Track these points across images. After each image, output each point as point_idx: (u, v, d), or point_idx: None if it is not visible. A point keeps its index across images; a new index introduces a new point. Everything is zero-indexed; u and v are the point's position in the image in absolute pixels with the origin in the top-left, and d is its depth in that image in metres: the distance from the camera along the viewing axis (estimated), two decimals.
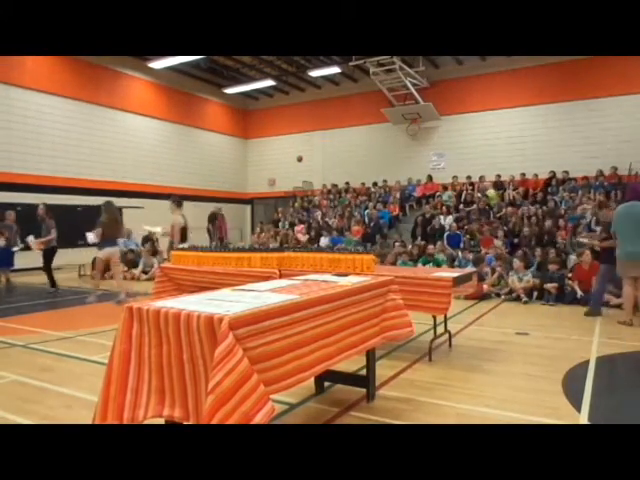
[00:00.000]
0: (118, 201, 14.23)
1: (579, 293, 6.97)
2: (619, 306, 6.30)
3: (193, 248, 5.29)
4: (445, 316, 4.48)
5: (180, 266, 5.09)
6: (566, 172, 12.91)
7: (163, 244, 12.53)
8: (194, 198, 17.06)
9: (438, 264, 8.58)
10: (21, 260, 9.60)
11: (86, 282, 10.20)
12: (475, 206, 12.50)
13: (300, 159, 18.54)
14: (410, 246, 10.46)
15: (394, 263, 8.82)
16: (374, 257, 4.19)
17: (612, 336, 5.02)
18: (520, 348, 4.54)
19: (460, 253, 9.40)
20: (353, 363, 3.36)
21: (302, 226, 14.03)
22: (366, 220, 13.53)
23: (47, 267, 8.76)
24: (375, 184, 15.96)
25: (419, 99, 14.90)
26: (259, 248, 5.33)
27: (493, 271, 7.90)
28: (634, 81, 12.60)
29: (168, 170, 16.35)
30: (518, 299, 7.24)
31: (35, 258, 11.21)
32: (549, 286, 7.11)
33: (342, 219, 13.86)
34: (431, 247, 9.60)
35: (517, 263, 7.53)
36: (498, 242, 9.47)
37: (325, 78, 16.71)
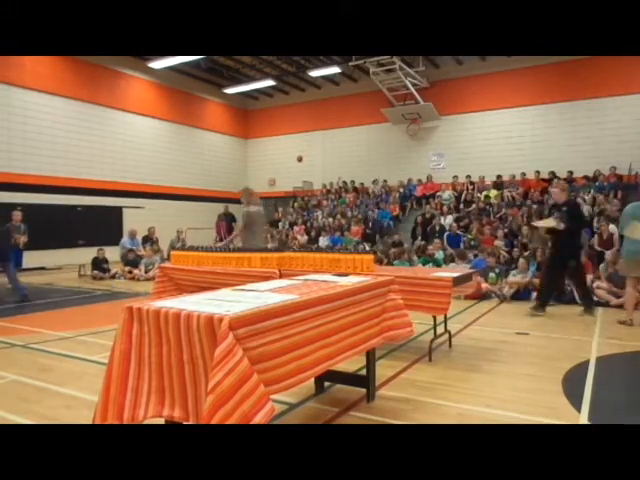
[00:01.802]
0: (118, 201, 14.36)
1: (575, 293, 6.98)
2: (620, 306, 6.30)
3: (193, 248, 5.29)
4: (445, 316, 4.48)
5: (180, 266, 5.09)
6: (570, 172, 12.91)
7: (164, 243, 12.57)
8: (194, 198, 17.10)
9: (438, 264, 8.59)
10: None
11: (86, 282, 10.20)
12: (475, 206, 12.51)
13: (300, 159, 18.55)
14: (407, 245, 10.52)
15: (390, 263, 8.81)
16: (374, 257, 4.20)
17: (612, 336, 5.02)
18: (520, 348, 4.54)
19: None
20: (353, 363, 3.36)
21: (301, 227, 14.04)
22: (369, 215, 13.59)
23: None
24: (375, 181, 15.93)
25: (419, 99, 14.91)
26: (259, 248, 5.31)
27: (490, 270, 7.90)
28: (634, 81, 12.61)
29: (168, 170, 16.36)
30: (517, 296, 7.24)
31: (35, 258, 11.25)
32: None
33: (343, 218, 13.88)
34: (430, 247, 9.63)
35: (522, 262, 7.58)
36: (499, 242, 9.46)
37: (325, 78, 16.72)
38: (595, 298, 6.86)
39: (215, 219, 15.92)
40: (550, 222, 5.72)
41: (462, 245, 10.26)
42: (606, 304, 6.68)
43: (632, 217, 5.49)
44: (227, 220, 15.12)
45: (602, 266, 7.34)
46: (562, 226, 5.49)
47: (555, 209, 5.89)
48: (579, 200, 10.46)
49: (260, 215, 6.43)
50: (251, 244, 6.06)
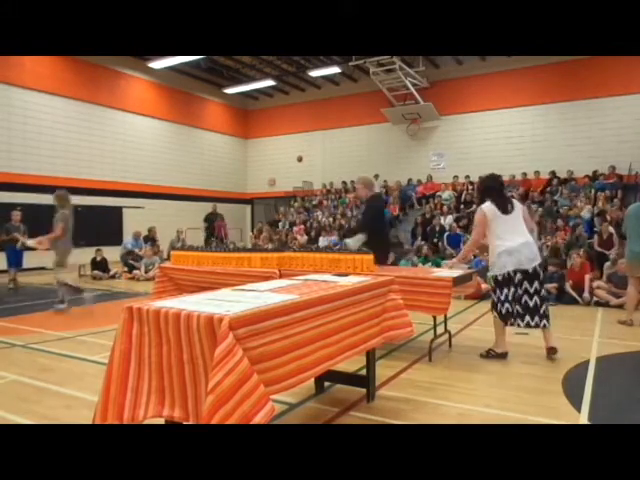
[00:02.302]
0: (118, 201, 14.36)
1: (573, 294, 6.98)
2: (620, 306, 6.30)
3: (193, 248, 5.29)
4: (445, 316, 4.48)
5: (180, 266, 5.09)
6: (570, 171, 12.91)
7: (164, 243, 12.58)
8: (194, 198, 17.10)
9: (437, 264, 8.58)
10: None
11: (86, 282, 10.20)
12: (475, 206, 12.50)
13: (300, 159, 18.55)
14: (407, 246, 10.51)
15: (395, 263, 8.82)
16: (374, 257, 4.19)
17: (612, 336, 5.02)
18: (520, 348, 4.54)
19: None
20: (353, 363, 3.36)
21: (301, 227, 14.04)
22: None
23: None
24: (376, 176, 15.89)
25: (419, 99, 14.91)
26: (259, 248, 5.32)
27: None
28: (634, 81, 12.61)
29: (168, 170, 16.36)
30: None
31: (35, 258, 11.23)
32: (549, 286, 7.10)
33: (343, 218, 13.88)
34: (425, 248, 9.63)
35: None
36: None
37: (325, 78, 16.72)
38: (595, 298, 6.87)
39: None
40: (358, 239, 4.85)
41: (462, 245, 10.26)
42: (606, 304, 6.68)
43: (635, 218, 5.48)
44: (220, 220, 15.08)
45: (607, 264, 7.35)
46: (362, 239, 4.81)
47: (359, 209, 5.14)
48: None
49: (72, 217, 6.72)
50: (67, 245, 6.40)
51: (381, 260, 4.66)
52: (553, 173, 13.07)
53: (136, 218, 14.11)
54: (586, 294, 6.87)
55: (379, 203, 5.33)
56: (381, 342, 2.94)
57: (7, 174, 11.75)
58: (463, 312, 6.37)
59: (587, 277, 6.99)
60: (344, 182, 16.82)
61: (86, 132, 13.66)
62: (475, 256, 8.86)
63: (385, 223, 5.52)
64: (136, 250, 11.47)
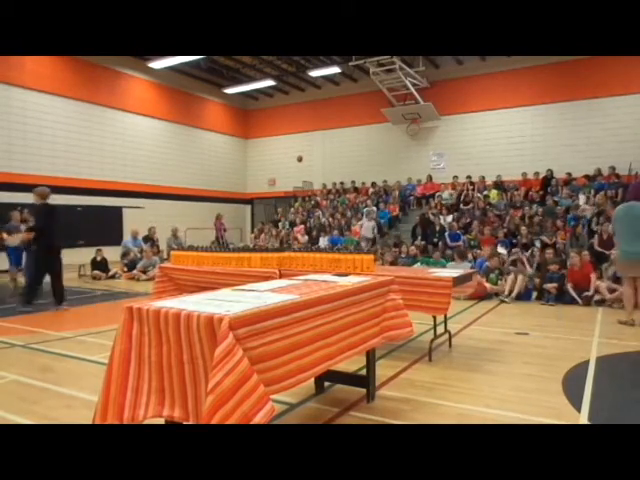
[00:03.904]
0: (118, 201, 14.36)
1: (573, 294, 6.97)
2: (615, 301, 6.33)
3: (193, 248, 5.29)
4: (445, 316, 4.48)
5: (180, 266, 5.09)
6: (569, 174, 12.91)
7: (164, 244, 12.57)
8: (194, 198, 17.10)
9: (434, 263, 8.57)
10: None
11: (86, 282, 10.20)
12: (474, 206, 12.51)
13: (300, 159, 18.55)
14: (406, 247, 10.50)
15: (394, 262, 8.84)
16: (374, 257, 4.19)
17: (612, 336, 5.02)
18: (520, 348, 4.54)
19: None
20: (353, 363, 3.36)
21: (301, 227, 14.04)
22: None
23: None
24: (374, 184, 15.97)
25: (419, 99, 14.91)
26: (259, 248, 5.34)
27: (490, 271, 7.89)
28: (634, 81, 12.61)
29: (168, 170, 16.36)
30: (519, 298, 7.25)
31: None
32: (549, 286, 7.11)
33: (343, 218, 13.88)
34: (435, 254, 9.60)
35: (520, 266, 7.61)
36: (501, 249, 9.32)
37: (325, 78, 16.72)
38: (596, 297, 6.87)
39: (212, 219, 15.91)
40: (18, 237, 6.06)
41: (462, 244, 10.25)
42: (603, 302, 6.70)
43: (626, 218, 5.48)
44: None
45: (605, 265, 7.34)
46: (17, 241, 6.04)
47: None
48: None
49: None
50: None
51: (48, 251, 6.42)
52: (550, 172, 13.05)
53: (136, 218, 14.10)
54: (591, 292, 6.87)
55: (48, 210, 6.71)
56: (381, 342, 2.95)
57: (7, 174, 11.75)
58: (463, 312, 6.37)
59: (593, 276, 6.98)
60: (341, 183, 16.84)
61: (86, 132, 13.65)
62: (476, 257, 8.86)
63: (55, 224, 6.78)
64: (135, 249, 11.42)
